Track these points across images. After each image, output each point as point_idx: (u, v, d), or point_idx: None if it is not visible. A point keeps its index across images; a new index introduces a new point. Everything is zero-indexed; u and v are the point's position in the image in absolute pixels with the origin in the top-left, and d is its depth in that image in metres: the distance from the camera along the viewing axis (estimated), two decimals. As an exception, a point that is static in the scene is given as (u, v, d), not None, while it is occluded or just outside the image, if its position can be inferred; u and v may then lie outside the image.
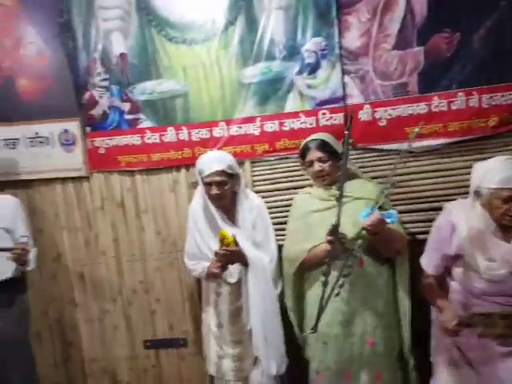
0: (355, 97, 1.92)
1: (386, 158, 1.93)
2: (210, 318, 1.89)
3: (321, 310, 1.54)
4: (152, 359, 2.30)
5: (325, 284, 1.52)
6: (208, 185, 1.73)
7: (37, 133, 2.15)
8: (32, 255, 1.88)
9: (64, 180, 2.21)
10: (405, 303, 1.67)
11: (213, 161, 1.73)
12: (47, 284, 2.32)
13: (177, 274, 2.20)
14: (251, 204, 1.83)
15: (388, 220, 1.51)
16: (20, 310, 2.01)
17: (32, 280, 2.31)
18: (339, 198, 1.45)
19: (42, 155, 2.16)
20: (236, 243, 1.68)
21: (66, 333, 2.35)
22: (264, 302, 1.74)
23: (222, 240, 1.68)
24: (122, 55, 2.01)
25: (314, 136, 1.78)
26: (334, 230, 1.49)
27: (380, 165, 1.94)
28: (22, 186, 2.25)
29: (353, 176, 1.78)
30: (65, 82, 2.08)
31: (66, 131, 2.13)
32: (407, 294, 1.67)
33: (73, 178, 2.20)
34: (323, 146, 1.71)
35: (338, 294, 1.53)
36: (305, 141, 1.78)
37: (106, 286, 2.27)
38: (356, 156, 1.95)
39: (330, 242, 1.52)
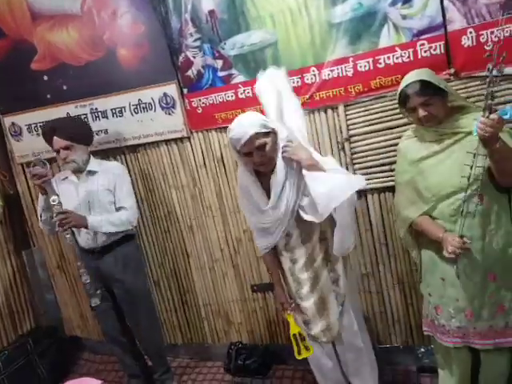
0: (457, 21, 1.77)
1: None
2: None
3: None
4: (260, 301, 2.48)
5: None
6: (248, 155, 1.56)
7: (140, 99, 2.31)
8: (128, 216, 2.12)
9: (168, 142, 2.37)
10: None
11: (244, 127, 1.53)
12: (161, 238, 2.57)
13: (278, 221, 2.30)
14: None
15: (505, 116, 1.37)
16: (135, 262, 2.28)
17: (148, 235, 2.59)
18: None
19: (147, 120, 2.33)
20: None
21: (182, 281, 2.62)
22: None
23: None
24: (211, 12, 2.05)
25: (410, 78, 1.58)
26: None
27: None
28: (131, 150, 2.47)
29: (462, 110, 1.60)
30: (160, 47, 2.18)
31: (165, 95, 2.26)
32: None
33: (175, 139, 2.35)
34: (423, 87, 1.53)
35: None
36: (401, 85, 1.60)
37: (213, 237, 2.46)
38: (460, 86, 1.83)
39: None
